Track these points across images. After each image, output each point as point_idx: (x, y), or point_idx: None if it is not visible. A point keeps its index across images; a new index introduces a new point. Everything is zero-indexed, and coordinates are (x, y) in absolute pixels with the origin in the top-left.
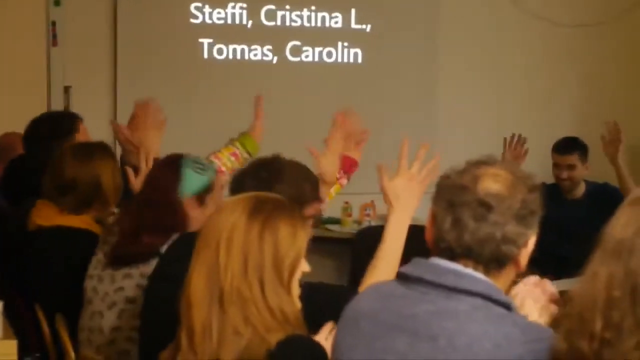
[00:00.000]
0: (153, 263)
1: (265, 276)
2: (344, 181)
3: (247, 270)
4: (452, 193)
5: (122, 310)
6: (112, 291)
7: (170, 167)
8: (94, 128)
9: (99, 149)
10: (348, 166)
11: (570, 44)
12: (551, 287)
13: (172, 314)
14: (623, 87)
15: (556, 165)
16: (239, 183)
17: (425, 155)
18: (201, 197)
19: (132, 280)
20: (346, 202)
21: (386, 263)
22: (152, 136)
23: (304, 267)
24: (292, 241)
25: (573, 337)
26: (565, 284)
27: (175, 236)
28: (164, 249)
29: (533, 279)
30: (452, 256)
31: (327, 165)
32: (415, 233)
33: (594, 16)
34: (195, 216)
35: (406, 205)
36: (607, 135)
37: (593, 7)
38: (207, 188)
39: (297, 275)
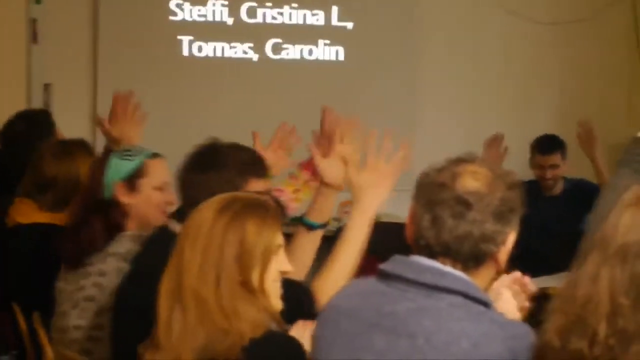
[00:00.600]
0: (110, 261)
1: (224, 274)
2: (313, 183)
3: (205, 267)
4: (431, 191)
5: (82, 309)
6: (74, 291)
7: (101, 161)
8: (74, 125)
9: (79, 147)
10: (310, 164)
11: (549, 41)
12: (530, 284)
13: (142, 313)
14: (602, 84)
15: (539, 166)
16: (179, 172)
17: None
18: (131, 182)
19: (89, 279)
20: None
21: (345, 258)
22: (132, 130)
23: (285, 266)
24: (259, 238)
25: (570, 337)
26: (544, 281)
27: (129, 233)
28: (114, 246)
29: (513, 275)
30: (432, 254)
31: (327, 168)
32: (396, 230)
33: (573, 13)
34: (129, 202)
35: (372, 199)
36: (582, 134)
37: (572, 5)
38: (136, 172)
39: (272, 274)
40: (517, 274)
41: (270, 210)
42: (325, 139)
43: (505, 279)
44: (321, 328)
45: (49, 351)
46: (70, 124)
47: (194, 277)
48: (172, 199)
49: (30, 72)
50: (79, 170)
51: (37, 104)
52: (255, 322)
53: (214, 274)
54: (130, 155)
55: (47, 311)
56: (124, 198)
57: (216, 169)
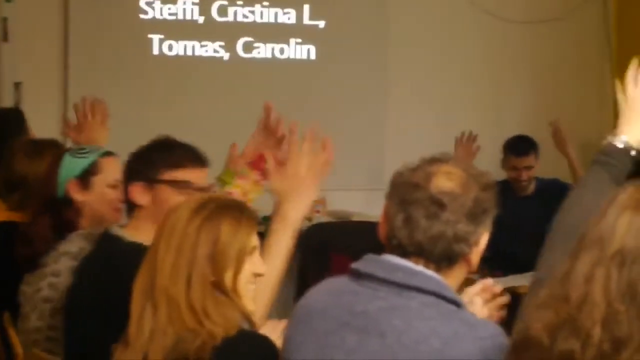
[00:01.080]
0: (64, 260)
1: (195, 273)
2: (262, 181)
3: (178, 265)
4: (404, 190)
5: (41, 310)
6: (33, 292)
7: (55, 161)
8: (45, 124)
9: (51, 147)
10: (258, 163)
11: (521, 40)
12: (500, 291)
13: (91, 313)
14: (574, 83)
15: (514, 168)
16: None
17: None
18: (84, 179)
19: (45, 280)
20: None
21: (268, 268)
22: (97, 133)
23: (259, 268)
24: (233, 238)
25: (561, 336)
26: (514, 280)
27: (81, 232)
28: (67, 245)
29: (483, 282)
30: (404, 253)
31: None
32: (367, 229)
33: (546, 13)
34: (83, 200)
35: (294, 206)
36: (554, 133)
37: (544, 4)
38: (89, 170)
39: (246, 276)
40: (487, 281)
41: (245, 211)
42: (270, 136)
43: (475, 286)
44: (293, 327)
45: (19, 351)
46: (41, 122)
47: (166, 276)
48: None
49: (1, 71)
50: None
51: (7, 102)
52: (227, 322)
53: (186, 273)
54: (84, 154)
55: (17, 311)
56: (78, 195)
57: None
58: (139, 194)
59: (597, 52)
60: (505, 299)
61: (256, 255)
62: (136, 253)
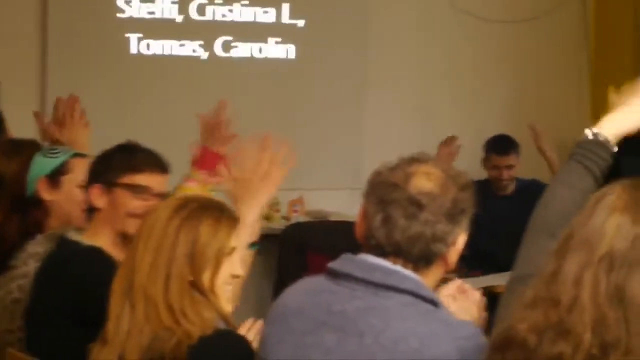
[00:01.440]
0: (31, 262)
1: (174, 273)
2: (213, 179)
3: (156, 265)
4: (383, 190)
5: (11, 313)
6: (4, 295)
7: (26, 160)
8: (23, 123)
9: (29, 147)
10: (209, 163)
11: (499, 40)
12: (475, 294)
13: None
14: (552, 82)
15: (495, 167)
16: None
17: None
18: (54, 178)
19: (15, 282)
20: (274, 198)
21: None
22: (79, 134)
23: (237, 270)
24: (213, 238)
25: (550, 339)
26: (493, 279)
27: (49, 233)
28: (34, 246)
29: (455, 284)
30: (383, 253)
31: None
32: (345, 229)
33: (524, 12)
34: (51, 199)
35: (249, 208)
36: (532, 134)
37: (522, 4)
38: (59, 169)
39: (224, 277)
40: (460, 282)
41: (225, 212)
42: (216, 131)
43: (450, 287)
44: (269, 326)
45: None
46: (19, 122)
47: (144, 275)
48: None
49: None
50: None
51: None
52: (203, 322)
53: (164, 272)
54: (55, 153)
55: None
56: (47, 194)
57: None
58: (97, 196)
59: (575, 52)
60: (479, 297)
61: (235, 256)
62: (92, 257)
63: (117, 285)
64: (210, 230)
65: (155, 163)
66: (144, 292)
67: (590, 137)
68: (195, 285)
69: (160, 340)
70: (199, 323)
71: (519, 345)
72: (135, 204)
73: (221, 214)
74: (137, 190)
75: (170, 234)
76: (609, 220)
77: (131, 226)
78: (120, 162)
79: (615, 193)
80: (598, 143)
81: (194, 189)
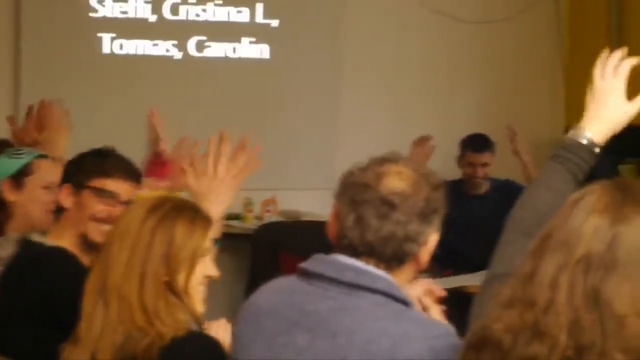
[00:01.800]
0: None
1: (149, 273)
2: (162, 184)
3: (131, 264)
4: (355, 190)
5: None
6: None
7: None
8: None
9: (2, 147)
10: (157, 169)
11: (473, 40)
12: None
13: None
14: (526, 83)
15: (470, 164)
16: None
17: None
18: (18, 179)
19: None
20: (247, 198)
21: None
22: (58, 136)
23: (211, 271)
24: (188, 239)
25: (525, 340)
26: (465, 279)
27: (12, 236)
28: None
29: (422, 284)
30: (355, 253)
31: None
32: (316, 229)
33: (497, 13)
34: (15, 200)
35: (212, 206)
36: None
37: (496, 4)
38: (23, 170)
39: (198, 278)
40: (428, 283)
41: (199, 213)
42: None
43: (417, 288)
44: (241, 327)
45: None
46: None
47: (119, 275)
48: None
49: None
50: None
51: None
52: (176, 323)
53: (139, 272)
54: (19, 154)
55: None
56: (10, 195)
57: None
58: (66, 196)
59: (549, 52)
60: (443, 293)
61: (208, 257)
62: (58, 257)
63: (91, 285)
64: (185, 231)
65: (126, 170)
66: (118, 292)
67: (575, 139)
68: (170, 286)
69: (133, 341)
70: (172, 324)
71: (493, 345)
72: (100, 207)
73: (195, 214)
74: (104, 194)
75: (146, 235)
76: (587, 221)
77: (93, 230)
78: (92, 165)
79: (594, 194)
80: (582, 146)
81: (145, 195)
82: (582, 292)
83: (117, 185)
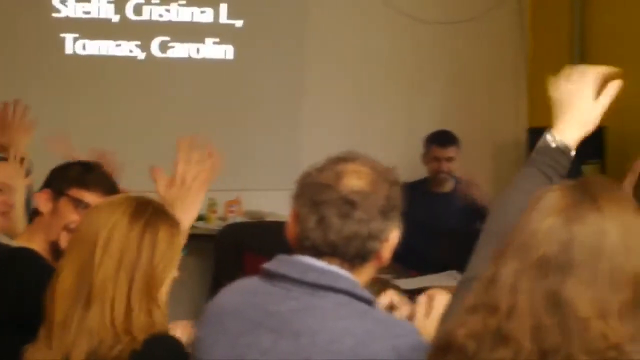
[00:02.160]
0: None
1: (137, 277)
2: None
3: (120, 268)
4: (314, 191)
5: None
6: None
7: None
8: None
9: None
10: None
11: (436, 40)
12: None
13: None
14: (490, 84)
15: (436, 159)
16: None
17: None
18: None
19: None
20: (211, 199)
21: None
22: (20, 136)
23: (175, 272)
24: (169, 247)
25: (489, 345)
26: (429, 280)
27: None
28: None
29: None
30: (318, 254)
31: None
32: (279, 229)
33: (460, 13)
34: None
35: (182, 214)
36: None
37: (459, 5)
38: None
39: (168, 283)
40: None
41: (173, 216)
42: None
43: (384, 299)
44: (204, 327)
45: None
46: None
47: (106, 280)
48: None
49: None
50: None
51: None
52: (153, 327)
53: (129, 276)
54: None
55: None
56: None
57: None
58: (45, 200)
59: (512, 53)
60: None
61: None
62: (27, 256)
63: (63, 287)
64: (167, 236)
65: (106, 186)
66: (103, 297)
67: (551, 144)
68: (153, 289)
69: (108, 345)
70: (149, 328)
71: (457, 351)
72: (74, 217)
73: (173, 219)
74: (80, 205)
75: (134, 240)
76: (543, 223)
77: (64, 239)
78: (74, 175)
79: (552, 195)
80: (558, 150)
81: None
82: (542, 296)
83: (94, 199)
